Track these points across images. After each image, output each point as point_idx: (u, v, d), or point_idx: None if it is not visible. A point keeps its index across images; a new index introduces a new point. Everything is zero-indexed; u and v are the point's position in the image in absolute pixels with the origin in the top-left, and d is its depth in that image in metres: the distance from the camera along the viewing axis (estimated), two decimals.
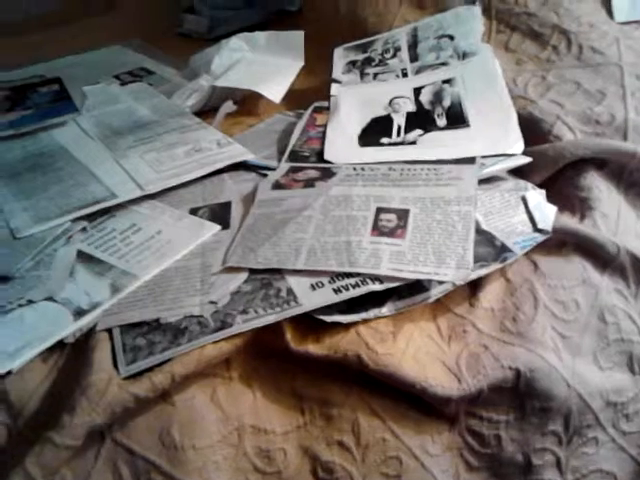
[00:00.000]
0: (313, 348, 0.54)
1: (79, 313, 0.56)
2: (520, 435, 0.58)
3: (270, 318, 0.54)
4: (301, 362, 0.56)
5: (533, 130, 0.75)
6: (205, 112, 0.93)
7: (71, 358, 0.54)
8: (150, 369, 0.51)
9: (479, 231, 0.63)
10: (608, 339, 0.62)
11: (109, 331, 0.55)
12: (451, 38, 0.90)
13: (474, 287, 0.63)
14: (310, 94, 0.95)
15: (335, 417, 0.55)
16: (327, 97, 0.89)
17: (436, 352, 0.58)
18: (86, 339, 0.55)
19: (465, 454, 0.58)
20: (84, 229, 0.66)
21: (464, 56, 0.87)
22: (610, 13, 0.88)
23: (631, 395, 0.62)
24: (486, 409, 0.57)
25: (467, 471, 0.58)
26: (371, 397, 0.56)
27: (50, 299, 0.57)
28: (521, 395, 0.57)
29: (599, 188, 0.70)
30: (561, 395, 0.58)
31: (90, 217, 0.67)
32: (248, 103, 0.95)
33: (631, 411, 0.63)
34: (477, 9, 0.92)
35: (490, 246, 0.62)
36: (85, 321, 0.55)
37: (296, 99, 0.95)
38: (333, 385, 0.56)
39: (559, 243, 0.66)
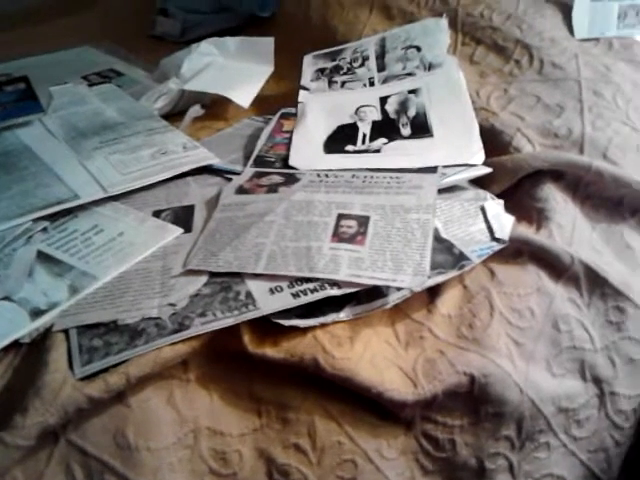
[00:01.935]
0: (270, 351, 0.55)
1: (36, 313, 0.56)
2: (474, 440, 0.59)
3: (228, 321, 0.54)
4: (259, 365, 0.56)
5: (494, 141, 0.77)
6: (173, 115, 0.93)
7: (26, 358, 0.54)
8: (105, 370, 0.51)
9: (438, 239, 0.64)
10: (561, 346, 0.64)
11: (66, 332, 0.54)
12: (418, 49, 0.92)
13: (432, 293, 0.64)
14: (279, 100, 0.95)
15: (292, 420, 0.55)
16: (296, 103, 0.90)
17: (393, 357, 0.59)
18: (42, 339, 0.54)
19: (420, 458, 0.59)
20: (45, 229, 0.65)
21: (430, 67, 0.89)
22: (571, 29, 0.91)
23: (582, 401, 0.64)
24: (441, 414, 0.58)
25: (422, 475, 0.59)
26: (328, 401, 0.56)
27: (7, 299, 0.57)
28: (475, 400, 0.58)
29: (555, 199, 0.72)
30: (514, 401, 0.59)
31: (52, 217, 0.67)
32: (217, 107, 0.96)
33: (582, 417, 0.64)
34: (444, 21, 0.94)
35: (448, 254, 0.63)
36: (42, 321, 0.55)
37: (265, 105, 0.96)
38: (290, 388, 0.56)
39: (516, 252, 0.67)
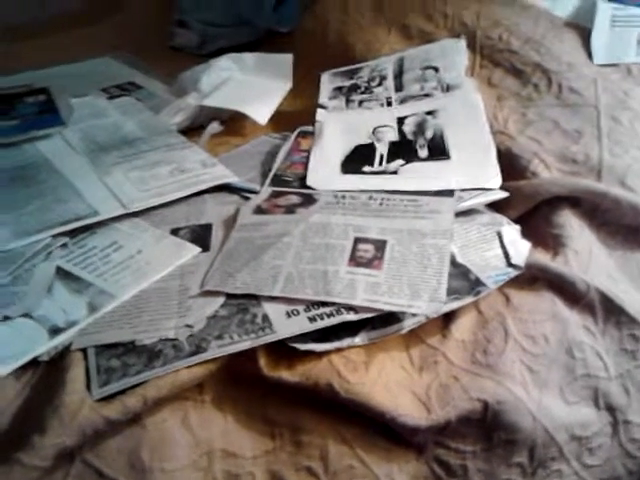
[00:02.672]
0: (286, 375, 0.55)
1: (55, 331, 0.56)
2: (486, 466, 0.59)
3: (245, 344, 0.55)
4: (273, 388, 0.56)
5: (511, 166, 0.77)
6: (192, 130, 0.94)
7: (44, 377, 0.54)
8: (123, 391, 0.51)
9: (454, 264, 0.64)
10: (575, 374, 0.63)
11: (84, 351, 0.55)
12: (436, 70, 0.92)
13: (447, 318, 0.64)
14: (297, 117, 0.96)
15: (304, 443, 0.55)
16: (313, 121, 0.90)
17: (407, 382, 0.59)
18: (60, 358, 0.55)
19: None
20: (64, 245, 0.66)
21: (448, 88, 0.89)
22: (589, 55, 0.91)
23: (595, 430, 0.64)
24: (454, 439, 0.58)
25: None
26: (341, 424, 0.56)
27: (26, 315, 0.57)
28: (488, 426, 0.58)
29: (572, 226, 0.71)
30: (527, 428, 0.59)
31: (71, 233, 0.67)
32: (235, 123, 0.96)
33: (595, 445, 0.64)
34: (462, 42, 0.95)
35: (464, 279, 0.63)
36: (61, 339, 0.56)
37: (283, 121, 0.96)
38: (304, 411, 0.57)
39: (531, 278, 0.67)
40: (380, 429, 0.57)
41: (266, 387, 0.56)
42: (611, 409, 0.64)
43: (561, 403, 0.62)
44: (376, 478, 0.56)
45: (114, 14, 1.48)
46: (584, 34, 0.93)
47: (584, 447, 0.63)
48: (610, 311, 0.66)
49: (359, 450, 0.56)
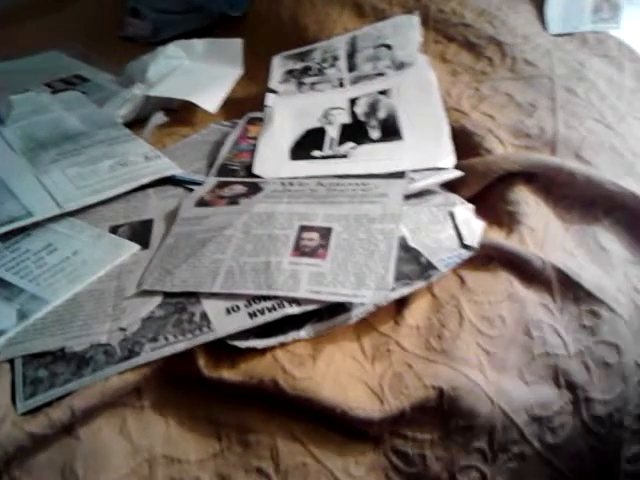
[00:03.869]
0: (227, 374, 0.53)
1: None
2: (445, 453, 0.58)
3: (180, 346, 0.53)
4: (217, 388, 0.54)
5: (465, 143, 0.75)
6: (140, 122, 0.91)
7: None
8: (49, 403, 0.49)
9: (405, 248, 0.63)
10: (533, 353, 0.62)
11: (11, 362, 0.53)
12: (389, 48, 0.90)
13: (400, 304, 0.62)
14: (250, 103, 0.93)
15: (253, 443, 0.54)
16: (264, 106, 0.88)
17: (359, 373, 0.57)
18: None
19: (390, 474, 0.57)
20: None
21: (401, 66, 0.87)
22: (544, 25, 0.88)
23: (556, 409, 0.63)
24: (410, 428, 0.57)
25: None
26: (291, 421, 0.55)
27: None
28: (444, 414, 0.57)
29: (527, 202, 0.70)
30: (485, 412, 0.58)
31: (4, 236, 0.65)
32: (185, 112, 0.94)
33: (556, 424, 0.63)
34: (415, 19, 0.92)
35: (415, 264, 0.62)
36: None
37: (235, 108, 0.93)
38: (251, 410, 0.55)
39: (486, 258, 0.66)
40: (333, 423, 0.55)
41: (209, 388, 0.54)
42: (572, 387, 0.63)
43: (520, 384, 0.61)
44: (330, 473, 0.55)
45: (69, 4, 1.44)
46: (539, 4, 0.92)
47: (545, 427, 0.62)
48: (567, 287, 0.65)
49: (311, 446, 0.55)
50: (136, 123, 0.89)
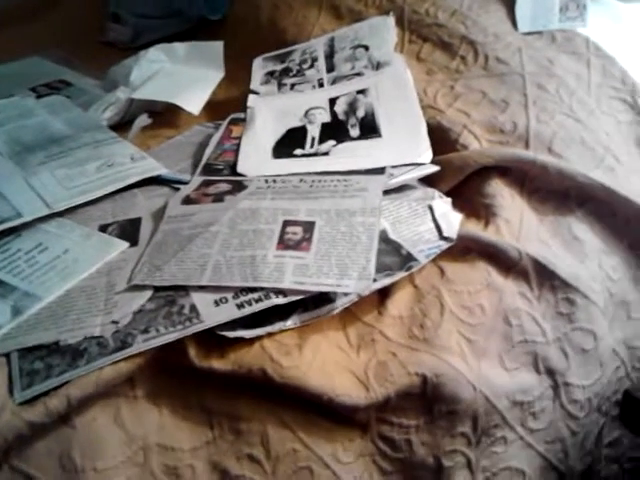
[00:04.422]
0: (217, 364, 0.55)
1: None
2: (430, 438, 0.60)
3: (171, 336, 0.54)
4: (209, 377, 0.56)
5: (441, 139, 0.78)
6: (123, 125, 0.92)
7: None
8: (46, 393, 0.50)
9: (386, 240, 0.65)
10: (513, 341, 0.65)
11: (7, 355, 0.54)
12: (366, 48, 0.92)
13: (383, 295, 0.64)
14: (231, 105, 0.95)
15: (244, 430, 0.55)
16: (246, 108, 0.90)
17: (345, 362, 0.59)
18: None
19: (377, 460, 0.59)
20: None
21: (378, 66, 0.89)
22: (515, 24, 0.91)
23: (537, 394, 0.65)
24: (396, 415, 0.59)
25: (380, 476, 0.59)
26: (281, 409, 0.56)
27: None
28: (429, 400, 0.59)
29: (502, 195, 0.72)
30: (467, 398, 0.60)
31: None
32: (168, 115, 0.95)
33: (537, 409, 0.65)
34: (391, 19, 0.95)
35: (396, 255, 0.64)
36: None
37: (218, 110, 0.95)
38: (242, 398, 0.56)
39: (464, 249, 0.68)
40: (321, 410, 0.57)
41: (201, 377, 0.56)
42: (551, 373, 0.66)
43: (501, 371, 0.63)
44: (320, 459, 0.56)
45: (50, 10, 1.44)
46: (509, 3, 0.95)
47: (527, 412, 0.64)
48: (544, 276, 0.68)
49: (300, 433, 0.56)
50: (120, 126, 0.90)
